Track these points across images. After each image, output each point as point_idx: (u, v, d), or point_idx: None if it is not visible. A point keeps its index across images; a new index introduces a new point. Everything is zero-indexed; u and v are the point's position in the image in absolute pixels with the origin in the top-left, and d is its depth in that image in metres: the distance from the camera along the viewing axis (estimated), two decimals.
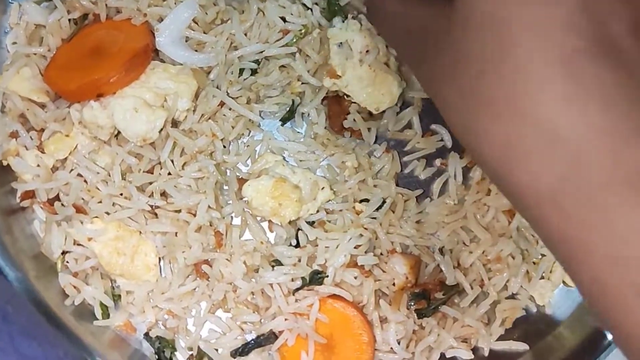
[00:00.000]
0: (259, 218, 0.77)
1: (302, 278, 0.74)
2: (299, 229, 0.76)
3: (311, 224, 0.76)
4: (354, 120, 0.77)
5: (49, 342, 0.56)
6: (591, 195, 0.37)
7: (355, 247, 0.75)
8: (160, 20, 0.77)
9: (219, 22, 0.79)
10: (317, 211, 0.77)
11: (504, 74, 0.39)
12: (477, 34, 0.41)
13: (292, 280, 0.74)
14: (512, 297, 0.79)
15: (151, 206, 0.74)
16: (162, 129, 0.73)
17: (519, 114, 0.39)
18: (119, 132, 0.74)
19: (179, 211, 0.74)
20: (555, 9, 0.38)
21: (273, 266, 0.76)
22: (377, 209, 0.76)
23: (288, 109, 0.78)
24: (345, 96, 0.77)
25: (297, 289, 0.74)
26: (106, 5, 0.77)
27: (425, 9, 0.49)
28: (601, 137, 0.37)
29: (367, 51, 0.76)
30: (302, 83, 0.79)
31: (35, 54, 0.77)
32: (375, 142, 0.79)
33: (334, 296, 0.75)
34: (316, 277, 0.74)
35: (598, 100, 0.37)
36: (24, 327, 0.54)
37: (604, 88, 0.37)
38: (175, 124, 0.76)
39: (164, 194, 0.75)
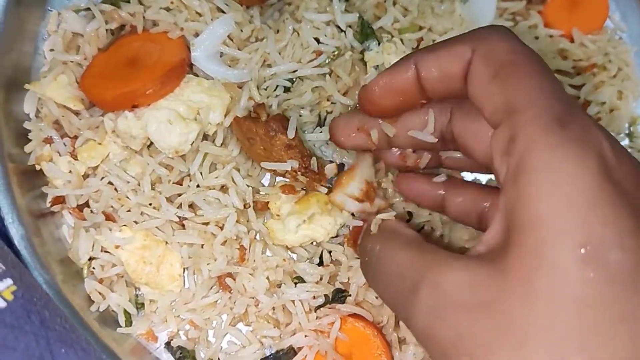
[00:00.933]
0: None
1: (325, 296, 0.75)
2: (322, 249, 0.77)
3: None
4: None
5: (82, 349, 0.56)
6: None
7: None
8: (196, 35, 0.78)
9: (254, 39, 0.80)
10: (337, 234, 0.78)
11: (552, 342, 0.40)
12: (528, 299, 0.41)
13: (314, 297, 0.75)
14: None
15: (179, 217, 0.75)
16: (193, 142, 0.74)
17: None
18: (151, 143, 0.75)
19: (207, 223, 0.75)
20: None
21: (296, 283, 0.77)
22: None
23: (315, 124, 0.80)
24: None
25: (319, 307, 0.75)
26: (144, 17, 0.79)
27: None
28: None
29: None
30: (332, 103, 0.80)
31: (72, 61, 0.78)
32: None
33: (355, 315, 0.76)
34: (339, 296, 0.75)
35: None
36: (60, 333, 0.55)
37: None
38: (205, 137, 0.77)
39: (191, 206, 0.76)
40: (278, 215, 0.76)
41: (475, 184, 0.71)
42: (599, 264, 0.40)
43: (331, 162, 0.77)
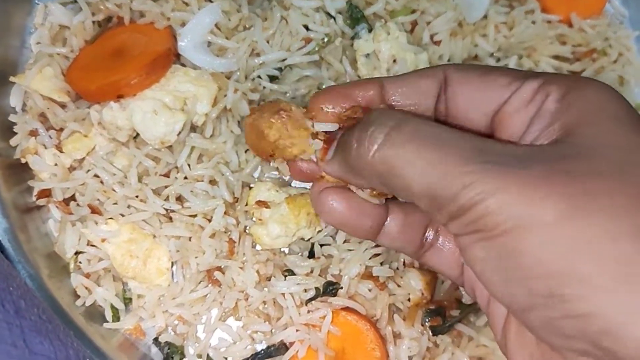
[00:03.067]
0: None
1: (316, 288, 0.73)
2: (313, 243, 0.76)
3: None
4: None
5: (59, 340, 0.55)
6: None
7: (370, 258, 0.73)
8: (183, 24, 0.77)
9: (242, 28, 0.79)
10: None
11: None
12: None
13: (305, 290, 0.73)
14: None
15: (166, 210, 0.74)
16: (180, 132, 0.73)
17: None
18: (137, 135, 0.74)
19: (195, 216, 0.74)
20: None
21: (286, 276, 0.75)
22: None
23: None
24: None
25: (310, 300, 0.73)
26: (130, 8, 0.78)
27: None
28: None
29: (394, 61, 0.75)
30: None
31: (58, 54, 0.77)
32: None
33: (347, 309, 0.74)
34: (330, 289, 0.73)
35: None
36: (36, 323, 0.53)
37: None
38: (193, 128, 0.76)
39: (179, 198, 0.75)
40: (261, 219, 0.74)
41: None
42: None
43: None
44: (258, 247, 0.76)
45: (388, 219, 0.52)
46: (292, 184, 0.78)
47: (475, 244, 0.40)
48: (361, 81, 0.52)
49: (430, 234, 0.53)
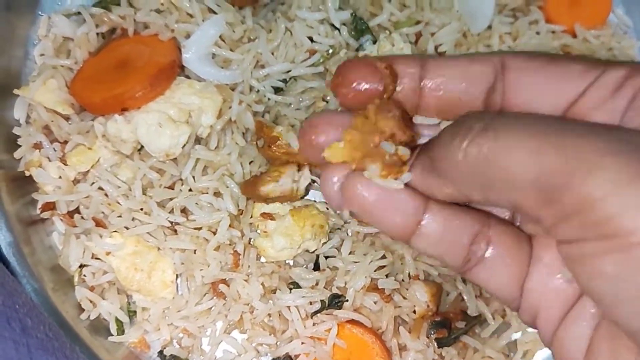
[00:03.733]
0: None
1: (321, 301, 0.73)
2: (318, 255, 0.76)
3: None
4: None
5: (65, 357, 0.55)
6: None
7: (375, 270, 0.73)
8: (188, 36, 0.77)
9: (246, 40, 0.79)
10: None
11: None
12: None
13: (310, 303, 0.73)
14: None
15: (171, 222, 0.73)
16: (185, 145, 0.72)
17: None
18: (141, 147, 0.74)
19: (199, 228, 0.73)
20: None
21: (291, 288, 0.74)
22: None
23: None
24: None
25: (315, 313, 0.73)
26: (134, 20, 0.78)
27: None
28: None
29: None
30: (327, 102, 0.78)
31: (62, 66, 0.77)
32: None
33: (353, 322, 0.73)
34: (335, 301, 0.73)
35: None
36: (42, 341, 0.53)
37: None
38: (198, 140, 0.76)
39: (184, 211, 0.75)
40: (265, 232, 0.74)
41: None
42: None
43: None
44: (263, 260, 0.76)
45: (425, 218, 0.42)
46: None
47: (603, 256, 0.31)
48: (399, 56, 0.43)
49: (481, 245, 0.42)
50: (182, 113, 0.73)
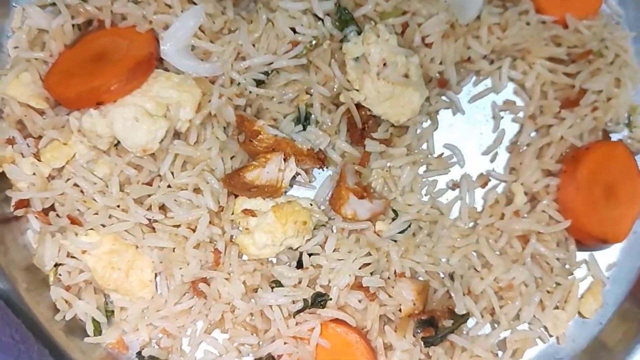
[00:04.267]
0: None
1: (304, 300, 0.71)
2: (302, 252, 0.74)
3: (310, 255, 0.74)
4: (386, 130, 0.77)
5: None
6: None
7: (360, 268, 0.71)
8: (166, 28, 0.75)
9: (227, 31, 0.77)
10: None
11: None
12: None
13: (293, 302, 0.71)
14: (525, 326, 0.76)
15: (149, 220, 0.71)
16: (163, 140, 0.70)
17: None
18: (118, 142, 0.71)
19: (178, 226, 0.71)
20: None
21: (273, 287, 0.72)
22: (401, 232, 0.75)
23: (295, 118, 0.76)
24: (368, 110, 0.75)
25: (298, 312, 0.71)
26: (111, 11, 0.75)
27: None
28: None
29: (384, 64, 0.73)
30: (311, 95, 0.76)
31: (36, 59, 0.75)
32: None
33: (337, 320, 0.71)
34: (319, 300, 0.71)
35: None
36: (7, 345, 0.51)
37: None
38: (177, 135, 0.74)
39: (162, 208, 0.72)
40: (247, 229, 0.72)
41: None
42: None
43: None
44: (245, 257, 0.74)
45: None
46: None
47: None
48: None
49: None
50: (159, 107, 0.70)
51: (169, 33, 0.74)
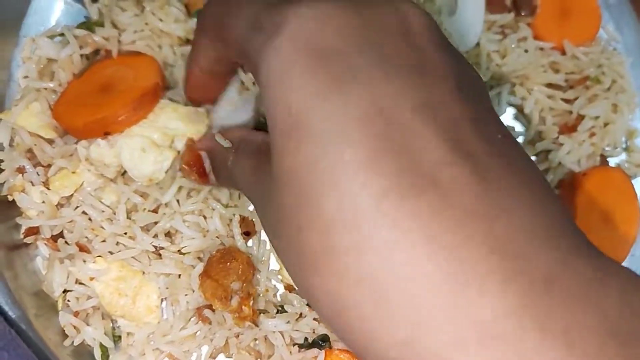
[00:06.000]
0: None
1: (305, 339, 0.72)
2: None
3: None
4: None
5: None
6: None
7: None
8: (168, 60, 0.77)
9: None
10: None
11: (319, 228, 0.36)
12: (290, 189, 0.38)
13: (296, 330, 0.72)
14: None
15: (155, 247, 0.73)
16: (168, 170, 0.72)
17: (339, 271, 0.35)
18: (125, 171, 0.73)
19: (184, 254, 0.73)
20: (355, 152, 0.35)
21: (278, 310, 0.74)
22: None
23: None
24: None
25: (301, 346, 0.72)
26: (119, 41, 0.77)
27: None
28: (437, 288, 0.32)
29: None
30: None
31: (45, 88, 0.76)
32: None
33: (340, 348, 0.73)
34: (321, 344, 0.72)
35: (423, 242, 0.32)
36: None
37: (424, 227, 0.33)
38: None
39: (168, 234, 0.74)
40: None
41: None
42: None
43: None
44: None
45: None
46: None
47: None
48: None
49: None
50: (166, 137, 0.72)
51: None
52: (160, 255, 0.74)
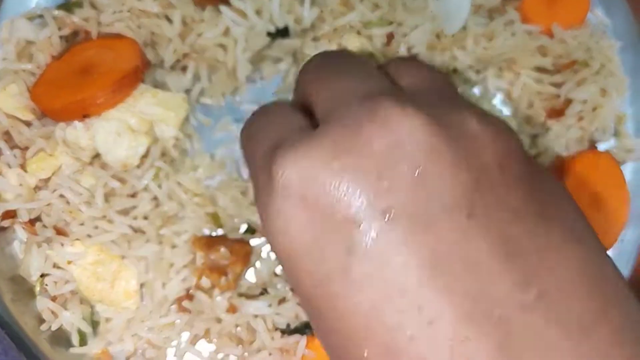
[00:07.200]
0: None
1: (287, 325, 0.71)
2: None
3: None
4: None
5: None
6: None
7: None
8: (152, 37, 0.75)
9: None
10: None
11: None
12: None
13: (277, 314, 0.71)
14: None
15: (134, 229, 0.72)
16: (145, 156, 0.71)
17: None
18: (99, 154, 0.72)
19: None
20: None
21: (261, 293, 0.73)
22: None
23: None
24: None
25: (283, 331, 0.71)
26: (98, 22, 0.76)
27: None
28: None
29: None
30: None
31: (24, 70, 0.75)
32: None
33: None
34: (306, 331, 0.71)
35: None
36: None
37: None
38: (164, 153, 0.74)
39: (146, 218, 0.73)
40: None
41: None
42: None
43: None
44: None
45: None
46: None
47: None
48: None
49: None
50: (142, 123, 0.71)
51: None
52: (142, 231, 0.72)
